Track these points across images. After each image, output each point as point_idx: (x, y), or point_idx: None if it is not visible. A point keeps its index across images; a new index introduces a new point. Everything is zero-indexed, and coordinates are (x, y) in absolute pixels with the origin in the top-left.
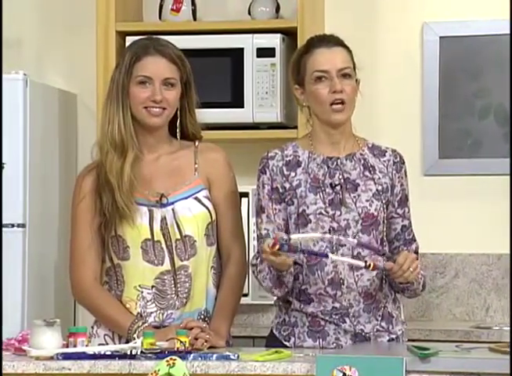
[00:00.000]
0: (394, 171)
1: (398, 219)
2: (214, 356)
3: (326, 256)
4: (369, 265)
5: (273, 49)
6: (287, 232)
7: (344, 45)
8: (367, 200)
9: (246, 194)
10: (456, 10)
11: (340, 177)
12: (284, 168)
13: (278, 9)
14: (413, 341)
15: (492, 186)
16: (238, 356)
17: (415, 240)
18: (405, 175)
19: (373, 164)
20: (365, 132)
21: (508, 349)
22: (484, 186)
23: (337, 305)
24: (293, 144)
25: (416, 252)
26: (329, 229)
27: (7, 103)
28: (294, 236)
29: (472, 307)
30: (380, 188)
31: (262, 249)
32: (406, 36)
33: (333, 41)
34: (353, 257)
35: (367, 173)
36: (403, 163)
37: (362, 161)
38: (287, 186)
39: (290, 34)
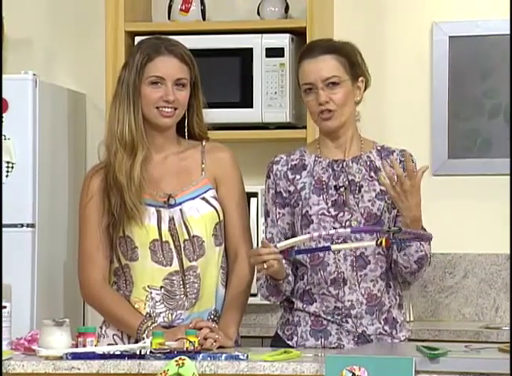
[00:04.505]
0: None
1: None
2: (224, 356)
3: (329, 248)
4: (381, 242)
5: (282, 49)
6: (293, 235)
7: (335, 51)
8: (369, 200)
9: (255, 194)
10: (466, 10)
11: (345, 179)
12: (289, 172)
13: (287, 8)
14: (422, 341)
15: (501, 186)
16: (247, 356)
17: None
18: None
19: (378, 166)
20: (375, 132)
21: None
22: (493, 186)
23: (339, 305)
24: (302, 149)
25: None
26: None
27: (16, 103)
28: (280, 244)
29: (481, 307)
30: (384, 188)
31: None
32: (416, 36)
33: (320, 49)
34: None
35: (372, 174)
36: (411, 162)
37: (368, 163)
38: (292, 189)
39: (299, 34)
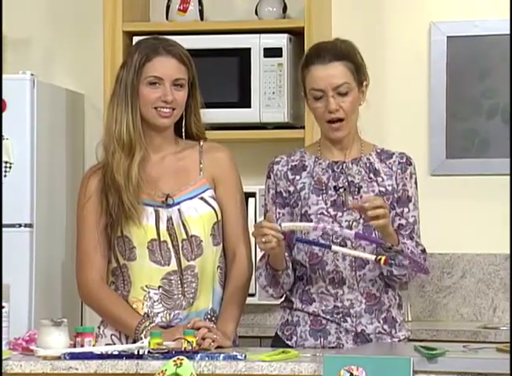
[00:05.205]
0: (398, 171)
1: (396, 218)
2: (221, 356)
3: (329, 247)
4: (380, 258)
5: (280, 49)
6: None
7: (343, 58)
8: None
9: (253, 194)
10: (464, 10)
11: (345, 180)
12: (289, 173)
13: (285, 8)
14: (420, 341)
15: (499, 186)
16: (245, 356)
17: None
18: (411, 177)
19: (378, 168)
20: (373, 132)
21: None
22: (491, 186)
23: (338, 304)
24: (302, 150)
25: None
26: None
27: (14, 103)
28: (284, 224)
29: (479, 307)
30: (383, 190)
31: (261, 225)
32: (414, 36)
33: (330, 55)
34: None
35: (371, 175)
36: (409, 164)
37: (368, 165)
38: (292, 189)
39: (297, 34)
